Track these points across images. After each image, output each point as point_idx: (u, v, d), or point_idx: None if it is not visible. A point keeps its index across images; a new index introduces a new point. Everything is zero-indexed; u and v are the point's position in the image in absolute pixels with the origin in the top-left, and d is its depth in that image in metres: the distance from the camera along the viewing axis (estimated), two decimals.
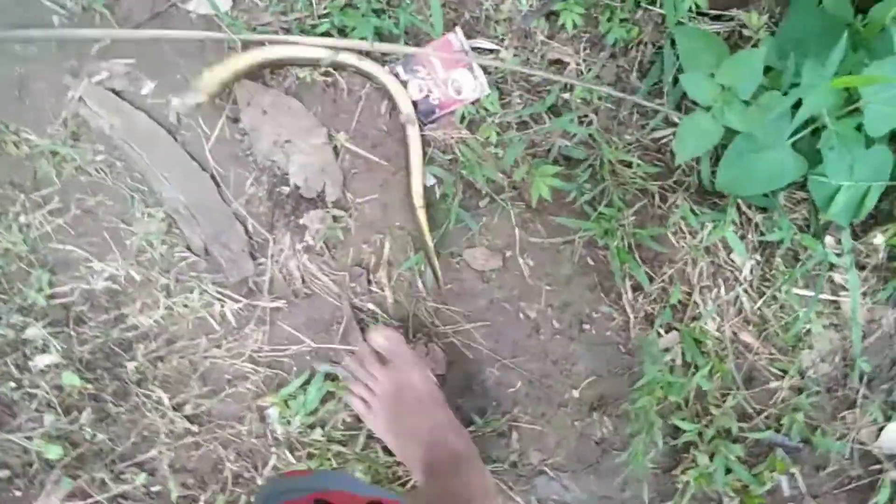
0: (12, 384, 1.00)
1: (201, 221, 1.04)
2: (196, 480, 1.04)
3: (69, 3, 1.04)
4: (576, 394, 1.06)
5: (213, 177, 1.04)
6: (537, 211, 1.05)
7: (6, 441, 1.00)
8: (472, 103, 1.04)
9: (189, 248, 1.04)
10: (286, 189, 1.05)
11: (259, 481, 1.04)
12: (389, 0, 1.04)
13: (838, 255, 0.99)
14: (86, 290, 1.02)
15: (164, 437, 1.04)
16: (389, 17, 1.02)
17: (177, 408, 1.03)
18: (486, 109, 1.04)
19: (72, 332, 1.00)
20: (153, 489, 1.03)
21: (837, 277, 1.03)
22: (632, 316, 1.04)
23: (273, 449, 1.03)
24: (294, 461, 1.02)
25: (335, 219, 1.05)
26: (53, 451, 0.98)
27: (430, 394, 0.99)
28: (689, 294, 1.03)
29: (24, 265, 1.02)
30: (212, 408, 1.04)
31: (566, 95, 1.04)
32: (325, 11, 1.03)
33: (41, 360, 0.99)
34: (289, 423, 1.02)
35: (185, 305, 1.03)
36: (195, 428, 1.02)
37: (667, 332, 1.04)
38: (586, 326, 1.05)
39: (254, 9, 1.04)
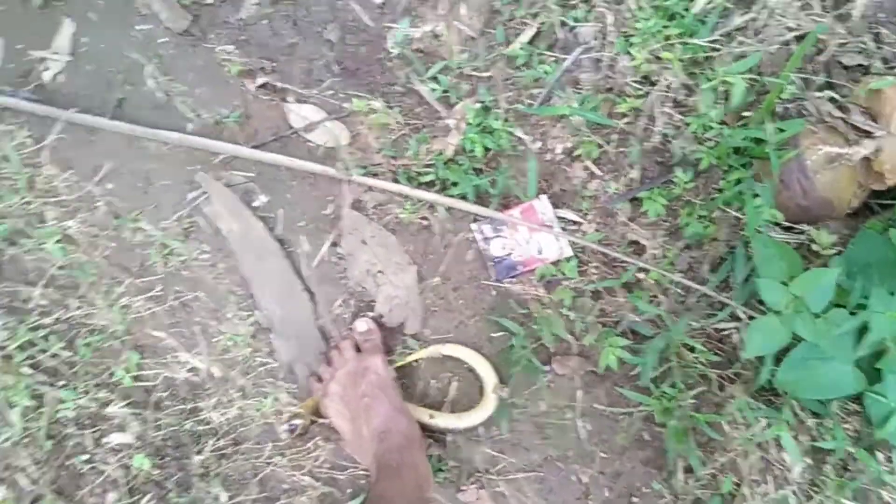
0: (85, 457, 1.04)
1: (292, 338, 1.11)
2: None
3: (204, 115, 1.17)
4: None
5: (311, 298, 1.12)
6: (601, 378, 1.10)
7: None
8: (553, 263, 1.12)
9: (272, 357, 1.10)
10: (370, 314, 1.12)
11: None
12: (489, 161, 1.15)
13: (889, 472, 1.03)
14: (169, 379, 1.08)
15: None
16: (488, 177, 1.13)
17: None
18: (563, 273, 1.12)
19: (149, 417, 1.05)
20: None
21: (886, 495, 1.05)
22: (681, 497, 1.07)
23: None
24: None
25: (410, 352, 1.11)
26: None
27: (387, 378, 1.03)
28: (738, 485, 1.06)
29: (117, 344, 1.08)
30: None
31: (640, 275, 1.11)
32: (430, 162, 1.14)
33: (116, 438, 1.04)
34: None
35: (258, 409, 1.08)
36: None
37: None
38: (635, 500, 1.08)
39: (368, 148, 1.16)
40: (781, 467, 1.07)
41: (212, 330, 1.10)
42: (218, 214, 1.14)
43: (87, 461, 1.05)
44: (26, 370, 1.05)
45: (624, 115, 1.13)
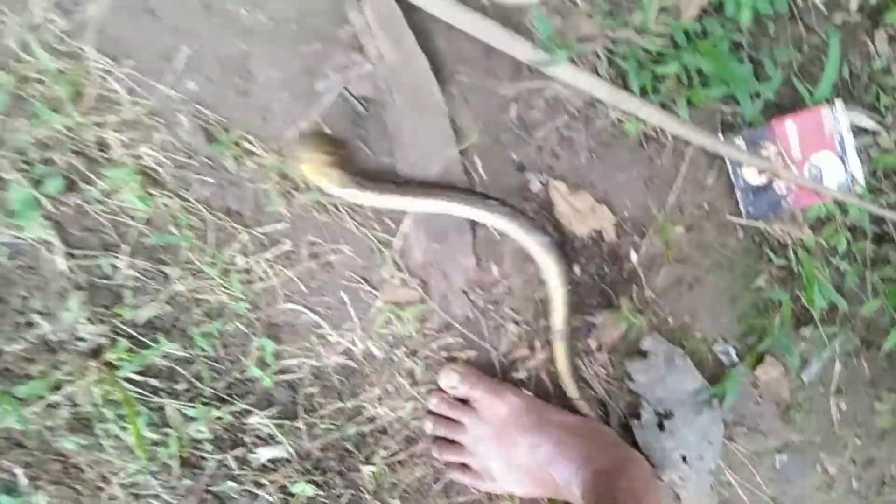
0: (232, 483, 0.80)
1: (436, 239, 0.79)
2: None
3: None
4: None
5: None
6: (871, 351, 0.85)
7: None
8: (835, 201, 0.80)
9: (449, 330, 0.81)
10: None
11: None
12: (753, 31, 0.76)
13: None
14: (315, 368, 0.80)
15: None
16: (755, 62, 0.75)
17: None
18: (838, 206, 0.80)
19: (300, 424, 0.80)
20: None
21: None
22: None
23: None
24: None
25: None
26: None
27: (533, 413, 0.78)
28: None
29: (242, 326, 0.78)
30: None
31: None
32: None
33: (265, 454, 0.79)
34: None
35: None
36: None
37: None
38: (887, 489, 0.90)
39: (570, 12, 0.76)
40: None
41: (363, 294, 0.80)
42: (368, 30, 0.73)
43: (236, 483, 0.80)
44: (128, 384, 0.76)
45: None
